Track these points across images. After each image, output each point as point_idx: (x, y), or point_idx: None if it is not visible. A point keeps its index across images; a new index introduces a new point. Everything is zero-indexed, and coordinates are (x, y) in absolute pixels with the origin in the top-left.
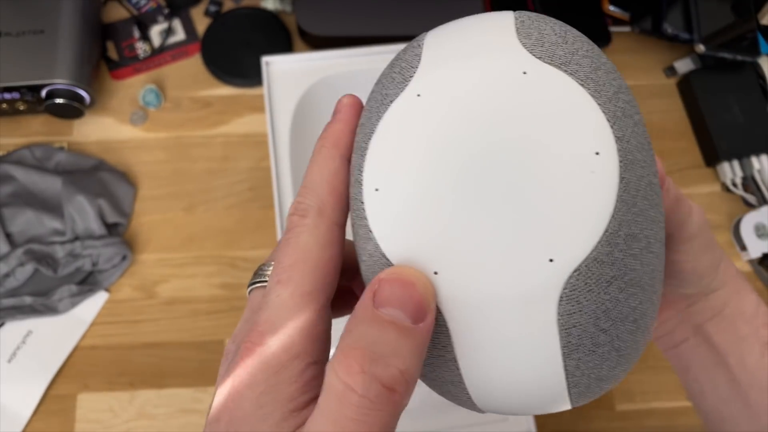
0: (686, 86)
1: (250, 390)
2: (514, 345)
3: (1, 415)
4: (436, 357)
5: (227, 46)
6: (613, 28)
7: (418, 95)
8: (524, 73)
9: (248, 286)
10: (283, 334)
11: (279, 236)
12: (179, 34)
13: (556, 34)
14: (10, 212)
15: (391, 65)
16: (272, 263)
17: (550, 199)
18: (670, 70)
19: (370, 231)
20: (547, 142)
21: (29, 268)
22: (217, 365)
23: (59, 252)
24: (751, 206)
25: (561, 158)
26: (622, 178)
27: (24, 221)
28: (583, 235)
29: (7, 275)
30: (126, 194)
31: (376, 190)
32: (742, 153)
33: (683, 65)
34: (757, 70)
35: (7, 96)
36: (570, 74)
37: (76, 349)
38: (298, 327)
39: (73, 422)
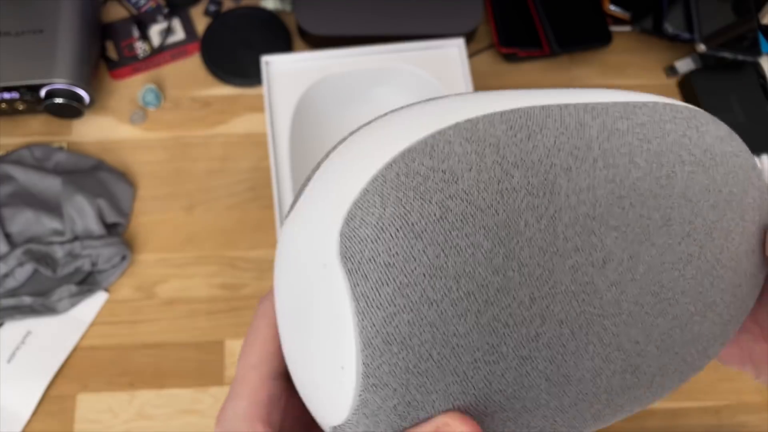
0: (687, 86)
1: None
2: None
3: (1, 415)
4: None
5: (227, 45)
6: (614, 28)
7: None
8: (324, 265)
9: None
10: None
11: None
12: (179, 34)
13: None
14: (9, 212)
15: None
16: None
17: (314, 376)
18: (671, 70)
19: None
20: (314, 348)
21: (28, 268)
22: (216, 365)
23: (58, 252)
24: None
25: (318, 358)
26: (360, 394)
27: (23, 221)
28: (327, 419)
29: (6, 275)
30: (125, 194)
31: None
32: None
33: (684, 65)
34: (758, 69)
35: (6, 96)
36: (352, 286)
37: (75, 349)
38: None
39: (73, 423)
